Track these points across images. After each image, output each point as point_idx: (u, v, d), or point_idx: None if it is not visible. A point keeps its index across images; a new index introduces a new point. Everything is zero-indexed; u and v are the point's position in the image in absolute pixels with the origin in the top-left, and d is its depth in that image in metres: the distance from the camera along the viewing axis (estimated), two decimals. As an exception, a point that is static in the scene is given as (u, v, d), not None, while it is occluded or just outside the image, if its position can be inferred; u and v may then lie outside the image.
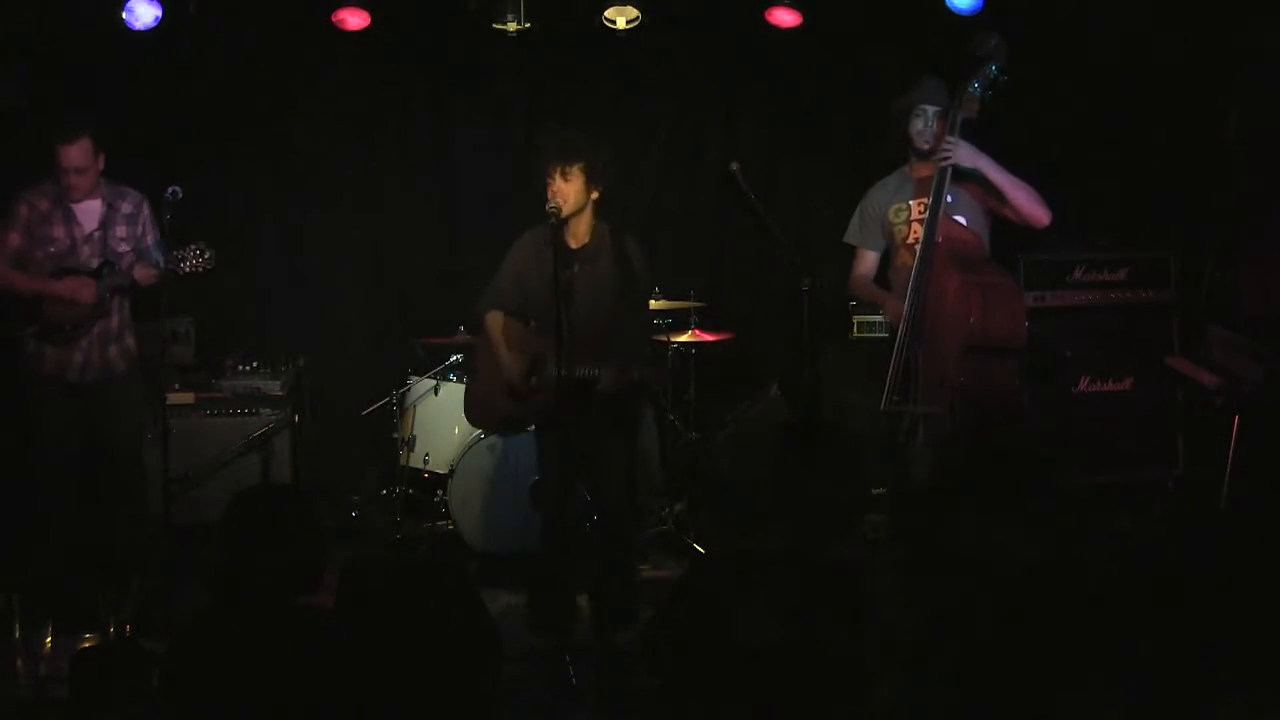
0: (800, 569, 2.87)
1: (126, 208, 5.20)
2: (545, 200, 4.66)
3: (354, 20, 6.32)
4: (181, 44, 6.32)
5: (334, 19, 6.31)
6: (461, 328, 6.12)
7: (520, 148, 6.71)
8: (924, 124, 4.76)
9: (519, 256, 4.87)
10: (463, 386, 5.74)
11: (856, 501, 3.00)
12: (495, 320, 4.90)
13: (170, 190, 5.05)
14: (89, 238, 5.17)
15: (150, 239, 5.30)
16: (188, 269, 5.18)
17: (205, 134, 6.56)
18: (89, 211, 5.19)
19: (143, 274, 5.20)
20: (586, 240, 4.81)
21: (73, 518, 5.19)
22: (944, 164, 4.62)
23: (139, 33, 5.98)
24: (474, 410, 5.17)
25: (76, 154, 5.04)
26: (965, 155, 4.63)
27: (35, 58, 6.25)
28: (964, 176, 4.68)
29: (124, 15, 5.92)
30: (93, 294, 5.11)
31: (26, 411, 5.24)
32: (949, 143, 4.62)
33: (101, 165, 5.15)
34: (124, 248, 5.21)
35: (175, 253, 5.17)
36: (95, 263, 5.14)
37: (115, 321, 5.25)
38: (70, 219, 5.15)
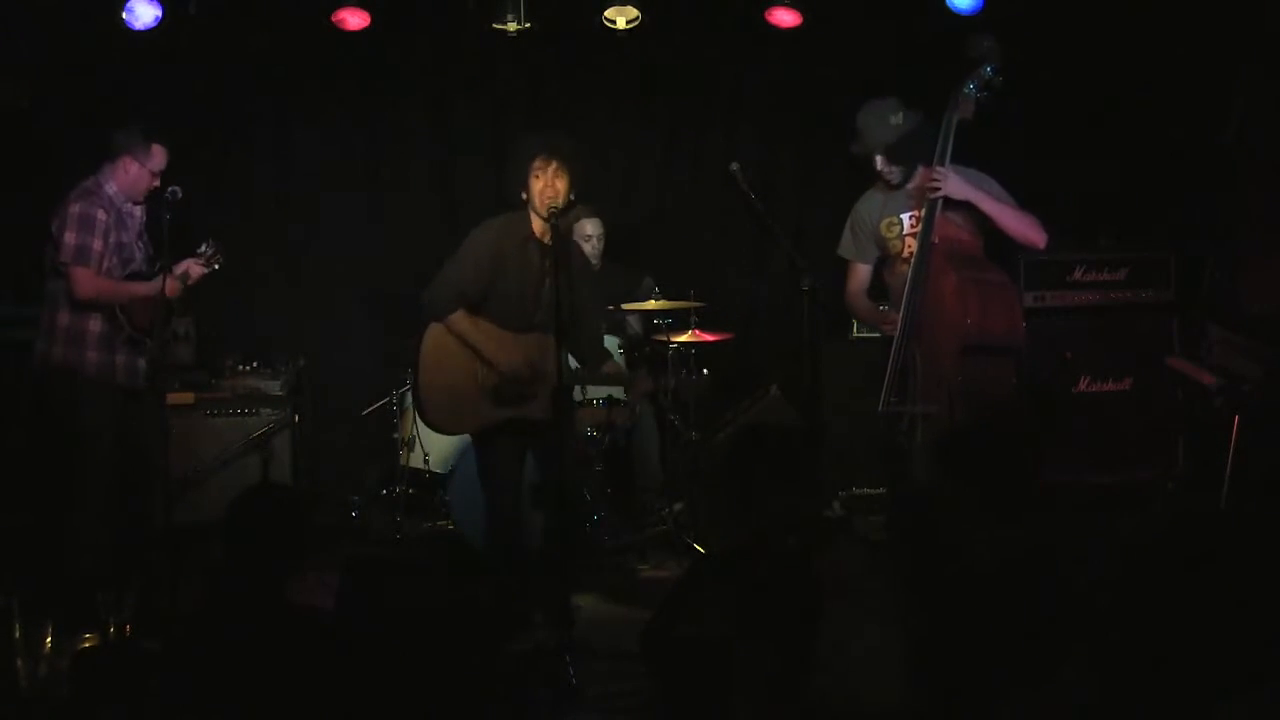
0: (752, 566, 2.91)
1: (141, 212, 5.18)
2: (516, 184, 4.70)
3: (354, 20, 6.33)
4: (181, 44, 6.32)
5: (334, 19, 6.31)
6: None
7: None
8: (888, 168, 4.76)
9: (487, 247, 4.77)
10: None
11: (804, 500, 3.03)
12: (464, 320, 4.80)
13: (170, 190, 5.03)
14: (136, 242, 5.20)
15: None
16: (213, 268, 5.25)
17: (205, 134, 6.56)
18: (135, 216, 5.22)
19: (197, 271, 5.20)
20: (550, 238, 4.80)
21: (106, 523, 5.15)
22: (934, 196, 4.60)
23: (139, 33, 5.98)
24: (442, 415, 4.95)
25: (166, 157, 5.13)
26: (955, 188, 4.59)
27: (35, 58, 6.25)
28: (955, 203, 4.67)
29: (124, 15, 5.92)
30: (178, 291, 5.07)
31: (79, 421, 5.12)
32: (938, 174, 4.58)
33: None
34: (151, 251, 5.23)
35: (202, 253, 5.22)
36: (146, 267, 5.14)
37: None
38: (124, 224, 5.17)
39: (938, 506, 2.93)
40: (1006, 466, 2.95)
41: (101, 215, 5.06)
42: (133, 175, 5.13)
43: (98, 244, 5.03)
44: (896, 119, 4.70)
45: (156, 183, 5.12)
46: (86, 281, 5.02)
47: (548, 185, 4.67)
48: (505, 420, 4.84)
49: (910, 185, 4.77)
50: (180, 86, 6.50)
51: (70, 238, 5.01)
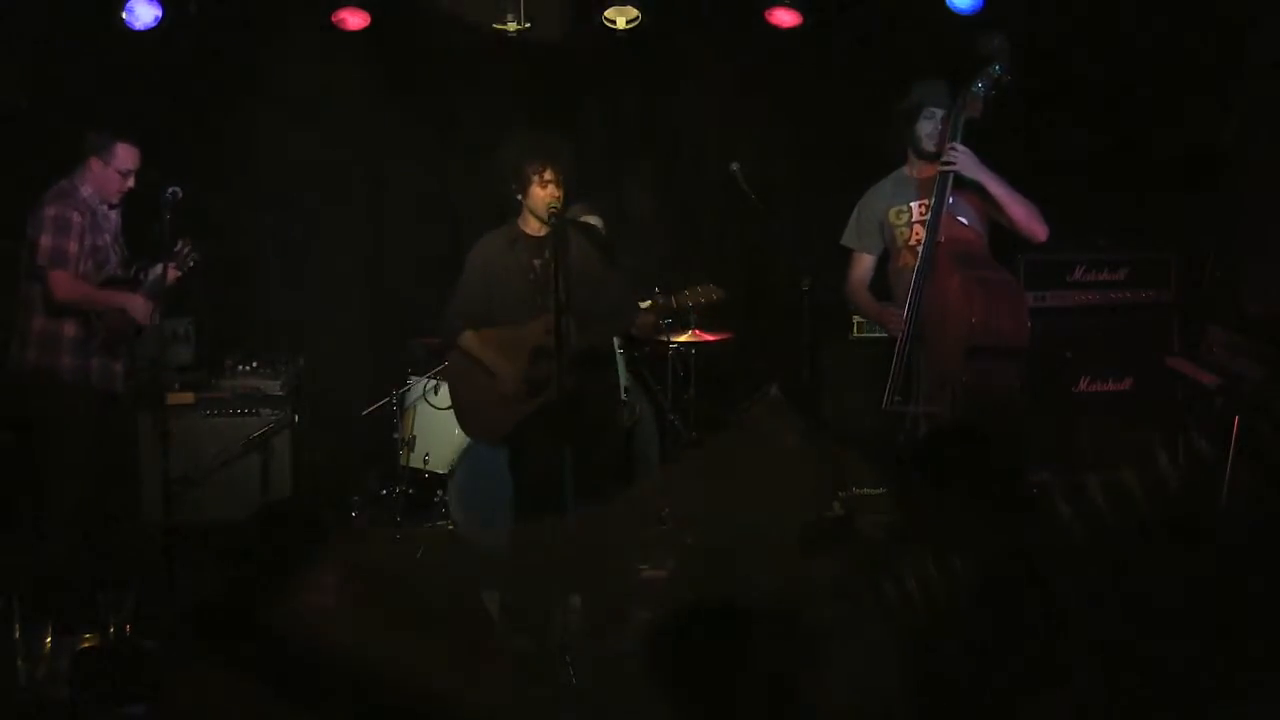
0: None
1: (117, 215, 5.15)
2: (510, 189, 4.87)
3: (354, 20, 6.33)
4: (181, 44, 6.32)
5: (334, 19, 6.32)
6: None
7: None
8: (933, 126, 4.76)
9: (483, 265, 4.99)
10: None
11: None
12: (472, 339, 4.99)
13: (170, 190, 5.03)
14: (112, 245, 5.17)
15: None
16: (187, 267, 5.23)
17: (205, 134, 6.56)
18: (111, 218, 5.19)
19: (173, 275, 5.17)
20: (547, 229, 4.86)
21: (83, 523, 5.13)
22: (946, 169, 4.61)
23: (139, 33, 5.98)
24: (477, 426, 5.20)
25: (136, 157, 5.08)
26: (967, 165, 4.62)
27: (35, 58, 6.24)
28: (964, 184, 4.68)
29: (124, 15, 5.93)
30: (146, 301, 5.07)
31: (53, 425, 5.10)
32: (953, 149, 4.61)
33: None
34: (128, 254, 5.22)
35: (177, 252, 5.19)
36: (122, 270, 5.11)
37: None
38: (99, 226, 5.12)
39: (935, 506, 2.92)
40: (982, 466, 2.94)
41: (76, 218, 5.01)
42: (100, 176, 5.08)
43: (73, 246, 4.99)
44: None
45: (129, 183, 5.07)
46: (64, 284, 4.98)
47: (550, 192, 4.79)
48: (538, 410, 4.93)
49: (918, 176, 4.78)
50: (180, 86, 6.49)
51: (46, 240, 4.97)
